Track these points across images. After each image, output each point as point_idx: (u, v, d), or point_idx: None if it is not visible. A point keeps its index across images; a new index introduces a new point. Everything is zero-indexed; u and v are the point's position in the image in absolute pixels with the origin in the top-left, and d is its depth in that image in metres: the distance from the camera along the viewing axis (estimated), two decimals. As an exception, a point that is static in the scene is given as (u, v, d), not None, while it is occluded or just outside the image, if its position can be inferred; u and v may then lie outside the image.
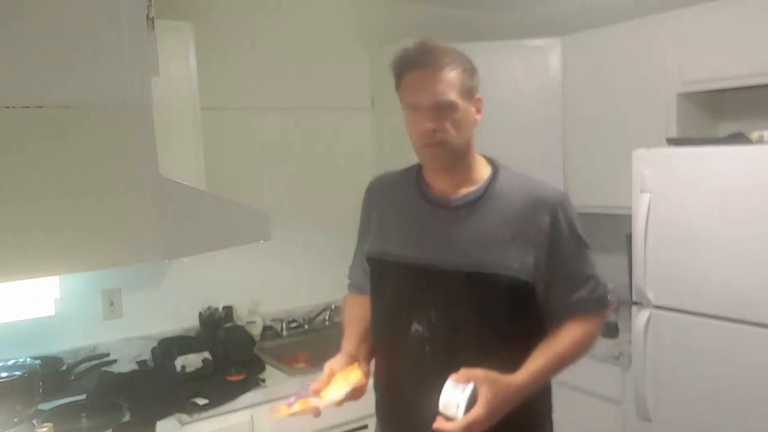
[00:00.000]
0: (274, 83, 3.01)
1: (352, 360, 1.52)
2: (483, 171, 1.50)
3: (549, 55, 3.15)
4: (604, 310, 1.57)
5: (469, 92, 1.45)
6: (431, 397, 1.29)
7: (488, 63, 3.18)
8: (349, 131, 3.26)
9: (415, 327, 1.46)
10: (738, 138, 2.32)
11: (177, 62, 2.41)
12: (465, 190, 1.47)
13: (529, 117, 3.17)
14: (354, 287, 1.74)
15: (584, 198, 3.08)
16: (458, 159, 1.45)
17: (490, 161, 1.54)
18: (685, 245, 2.29)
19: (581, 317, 1.47)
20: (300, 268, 3.11)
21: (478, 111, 1.49)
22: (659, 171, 2.36)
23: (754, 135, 2.22)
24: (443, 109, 1.39)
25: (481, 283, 1.41)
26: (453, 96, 1.40)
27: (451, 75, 1.41)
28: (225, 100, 2.87)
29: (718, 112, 2.87)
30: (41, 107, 0.66)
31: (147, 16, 0.76)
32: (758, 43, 2.38)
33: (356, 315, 1.65)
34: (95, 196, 0.70)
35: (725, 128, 2.81)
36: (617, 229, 3.01)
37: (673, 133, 2.65)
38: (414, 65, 1.41)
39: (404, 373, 1.50)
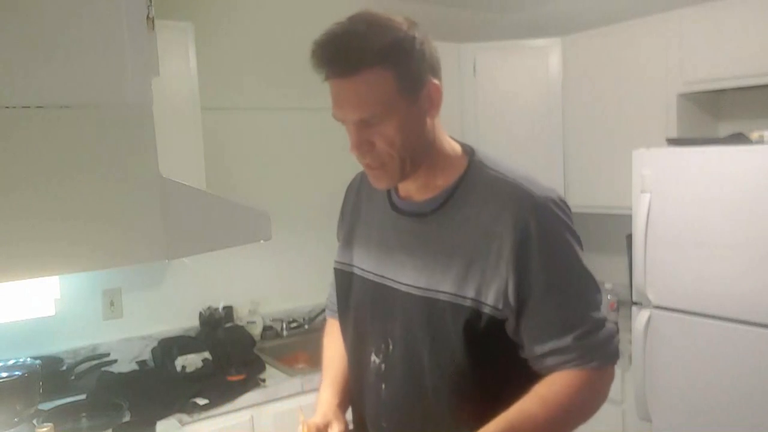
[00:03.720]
0: (274, 83, 3.01)
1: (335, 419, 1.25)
2: (455, 168, 1.17)
3: (549, 55, 3.15)
4: (602, 362, 1.11)
5: (409, 88, 1.07)
6: None
7: (488, 63, 3.22)
8: (349, 131, 3.26)
9: (373, 359, 1.23)
10: (738, 138, 2.32)
11: (177, 62, 2.41)
12: (430, 194, 1.18)
13: (529, 117, 3.18)
14: (332, 311, 1.45)
15: (584, 198, 3.09)
16: (412, 171, 1.13)
17: (468, 153, 1.19)
18: (685, 245, 2.29)
19: (565, 373, 1.10)
20: (300, 268, 3.11)
21: (433, 104, 1.11)
22: (659, 171, 2.36)
23: (754, 135, 2.22)
24: (371, 126, 1.07)
25: (436, 312, 1.12)
26: (377, 107, 1.05)
27: (374, 77, 1.04)
28: (225, 100, 2.87)
29: (718, 112, 2.87)
30: (41, 107, 0.66)
31: (147, 16, 0.76)
32: (758, 43, 2.38)
33: (335, 353, 1.37)
34: (95, 196, 0.69)
35: (725, 128, 2.81)
36: (617, 229, 3.01)
37: (673, 133, 2.65)
38: (326, 72, 1.08)
39: (367, 416, 1.27)
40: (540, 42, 3.17)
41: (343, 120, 1.11)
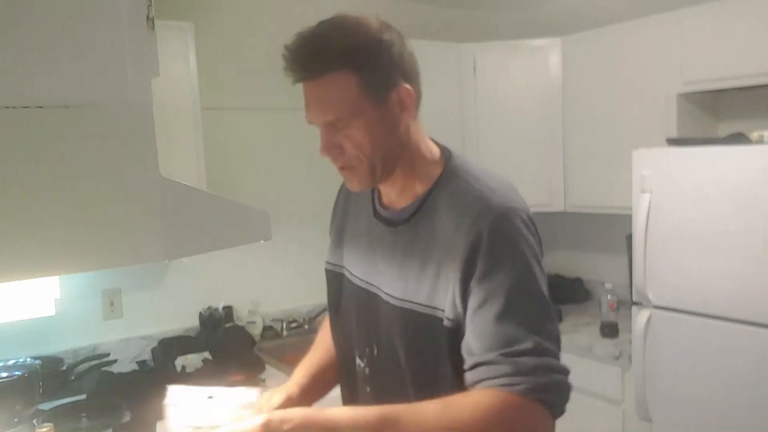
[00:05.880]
0: (273, 83, 3.01)
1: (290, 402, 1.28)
2: (431, 175, 1.15)
3: (549, 55, 3.15)
4: (531, 389, 0.97)
5: (375, 92, 1.06)
6: None
7: (488, 63, 3.22)
8: (349, 131, 3.26)
9: (358, 362, 1.25)
10: (738, 138, 2.32)
11: (177, 62, 2.41)
12: (407, 202, 1.16)
13: (529, 117, 3.18)
14: None
15: (584, 198, 3.09)
16: (385, 175, 1.13)
17: (445, 158, 1.17)
18: (685, 245, 2.29)
19: (487, 390, 0.99)
20: (300, 268, 3.11)
21: (405, 108, 1.09)
22: (659, 171, 2.36)
23: (754, 135, 2.22)
24: (339, 129, 1.08)
25: (412, 323, 1.11)
26: (341, 111, 1.05)
27: (336, 80, 1.04)
28: (225, 100, 2.87)
29: (718, 112, 2.87)
30: (41, 107, 0.66)
31: (147, 16, 0.76)
32: (758, 43, 2.38)
33: (320, 342, 1.43)
34: (95, 196, 0.69)
35: (725, 128, 2.81)
36: (617, 229, 3.01)
37: (673, 133, 2.65)
38: (295, 75, 1.07)
39: None
40: (540, 42, 3.17)
41: (312, 123, 1.11)
